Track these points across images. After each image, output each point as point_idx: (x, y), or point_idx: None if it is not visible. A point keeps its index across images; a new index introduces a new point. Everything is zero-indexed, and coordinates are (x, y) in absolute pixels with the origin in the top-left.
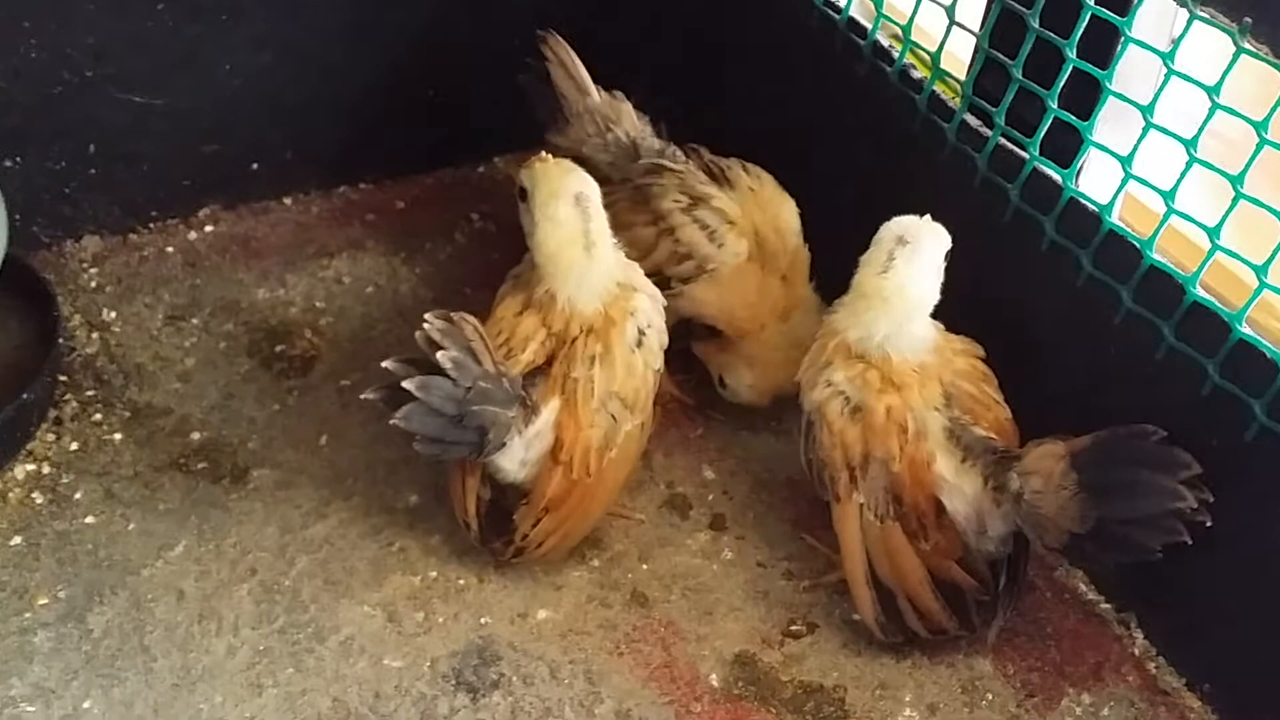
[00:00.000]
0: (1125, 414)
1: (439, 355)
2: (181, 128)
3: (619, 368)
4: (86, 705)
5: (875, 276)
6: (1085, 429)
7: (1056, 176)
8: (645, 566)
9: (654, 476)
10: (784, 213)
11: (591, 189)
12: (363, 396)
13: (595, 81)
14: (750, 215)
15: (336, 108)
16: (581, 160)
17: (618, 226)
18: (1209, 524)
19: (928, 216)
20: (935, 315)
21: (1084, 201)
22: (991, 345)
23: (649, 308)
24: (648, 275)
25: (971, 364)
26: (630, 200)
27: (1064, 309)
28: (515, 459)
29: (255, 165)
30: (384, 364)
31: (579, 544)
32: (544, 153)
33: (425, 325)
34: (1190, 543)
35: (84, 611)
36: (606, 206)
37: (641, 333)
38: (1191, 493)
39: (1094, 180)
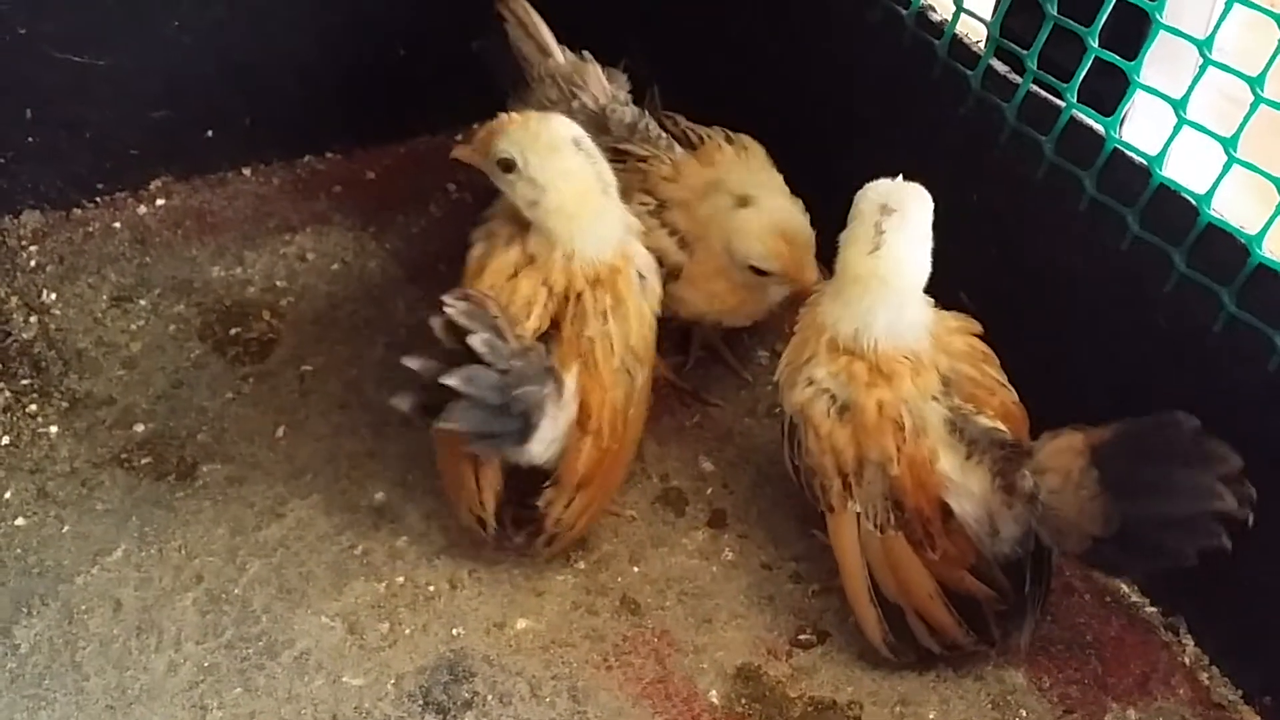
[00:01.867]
0: (1176, 395)
1: (471, 340)
2: (128, 91)
3: (633, 319)
4: None
5: (866, 256)
6: (1129, 411)
7: (1098, 126)
8: (637, 569)
9: (646, 469)
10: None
11: (581, 130)
12: (392, 403)
13: (576, 44)
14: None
15: (299, 69)
16: None
17: None
18: (1251, 523)
19: (899, 178)
20: (952, 284)
21: (1130, 153)
22: (1022, 319)
23: (643, 250)
24: None
25: (969, 343)
26: None
27: (1106, 276)
28: (545, 438)
29: (210, 133)
30: (406, 362)
31: None
32: (507, 114)
33: (448, 308)
34: (1229, 547)
35: (10, 624)
36: None
37: (642, 275)
38: (1232, 490)
39: (1140, 129)
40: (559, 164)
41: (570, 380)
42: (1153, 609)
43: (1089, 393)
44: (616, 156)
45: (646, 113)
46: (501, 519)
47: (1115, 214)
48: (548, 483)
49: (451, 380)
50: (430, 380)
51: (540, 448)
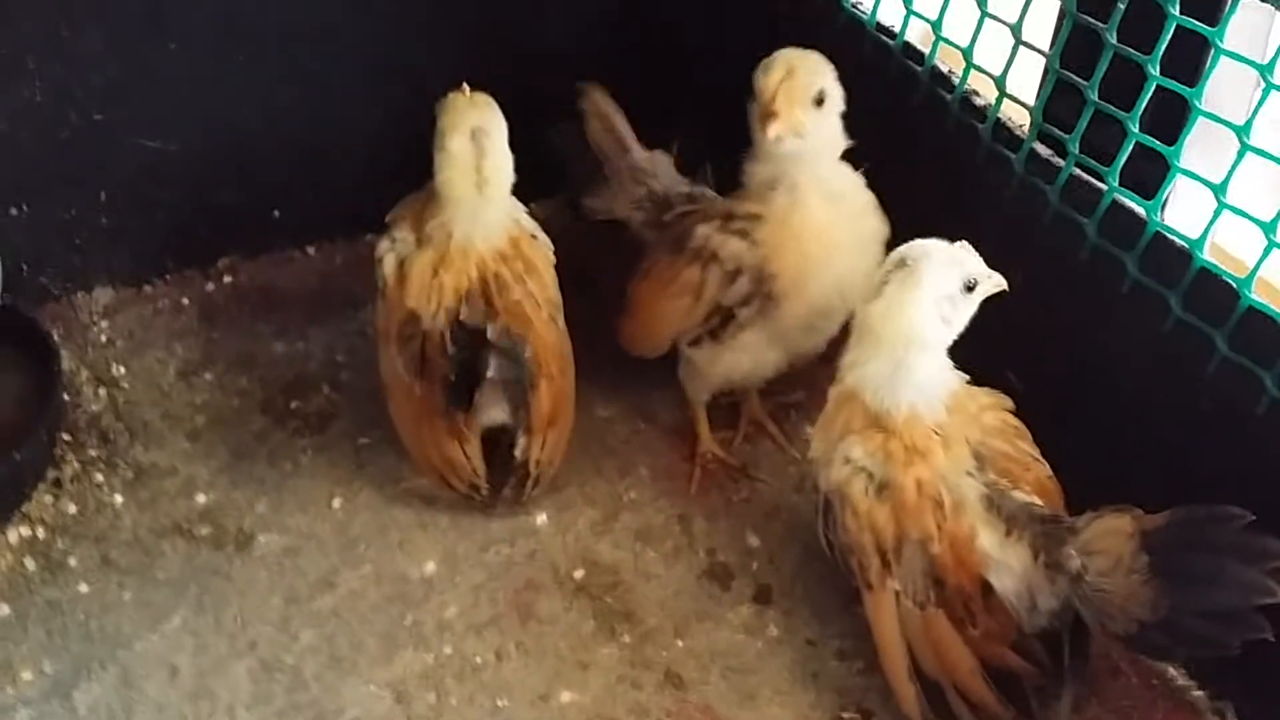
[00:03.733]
0: (1220, 476)
1: (489, 331)
2: (197, 173)
3: (542, 272)
4: None
5: (865, 304)
6: (1173, 493)
7: (1139, 209)
8: (681, 643)
9: (693, 543)
10: None
11: (494, 126)
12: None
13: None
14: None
15: (362, 148)
16: (617, 223)
17: (665, 282)
18: None
19: (939, 241)
20: (999, 364)
21: (1171, 236)
22: (1067, 399)
23: (526, 217)
24: (709, 317)
25: (1001, 419)
26: (670, 250)
27: (1149, 357)
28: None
29: (276, 213)
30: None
31: (608, 617)
32: (464, 85)
33: (464, 316)
34: (1273, 638)
35: (70, 688)
36: (649, 269)
37: (534, 235)
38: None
39: (1181, 213)
40: (447, 140)
41: None
42: (1199, 693)
43: (1132, 473)
44: (682, 215)
45: (703, 186)
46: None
47: (1158, 296)
48: (520, 433)
49: (490, 371)
50: (460, 378)
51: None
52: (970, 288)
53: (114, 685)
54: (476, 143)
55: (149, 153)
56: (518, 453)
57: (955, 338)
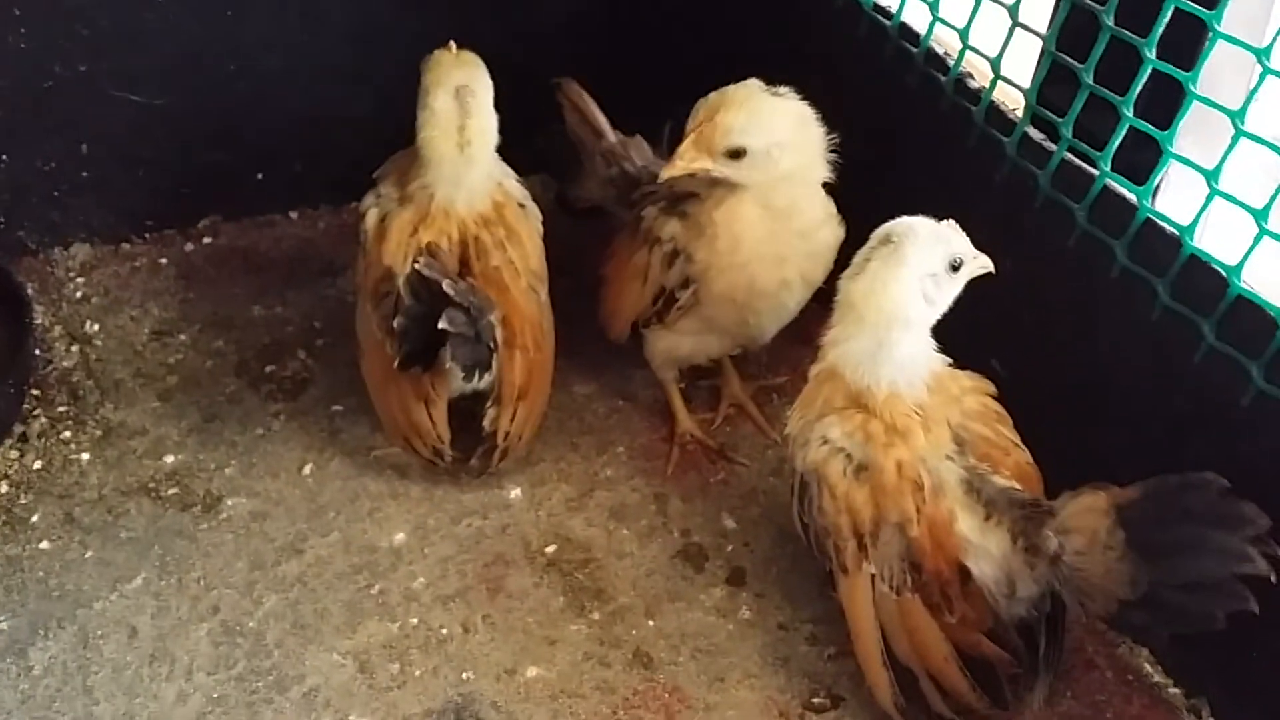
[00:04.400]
0: (1204, 466)
1: (445, 284)
2: (183, 132)
3: (527, 243)
4: None
5: (847, 280)
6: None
7: (1130, 195)
8: (652, 623)
9: (668, 523)
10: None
11: (480, 85)
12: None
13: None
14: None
15: (350, 117)
16: (597, 208)
17: (623, 263)
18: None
19: (926, 219)
20: (984, 351)
21: (1162, 223)
22: (1051, 386)
23: (517, 184)
24: (653, 302)
25: (983, 403)
26: (629, 235)
27: (1136, 345)
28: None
29: (260, 176)
30: (394, 323)
31: (578, 594)
32: (451, 43)
33: (417, 265)
34: (1258, 611)
35: (26, 645)
36: (614, 250)
37: (522, 205)
38: (1260, 552)
39: (1173, 199)
40: (430, 98)
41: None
42: (1176, 690)
43: (1116, 461)
44: (640, 198)
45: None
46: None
47: (1146, 283)
48: (489, 403)
49: (443, 323)
50: (411, 332)
51: (493, 368)
52: (955, 267)
53: (71, 644)
54: (461, 101)
55: (134, 108)
56: (486, 422)
57: (938, 317)
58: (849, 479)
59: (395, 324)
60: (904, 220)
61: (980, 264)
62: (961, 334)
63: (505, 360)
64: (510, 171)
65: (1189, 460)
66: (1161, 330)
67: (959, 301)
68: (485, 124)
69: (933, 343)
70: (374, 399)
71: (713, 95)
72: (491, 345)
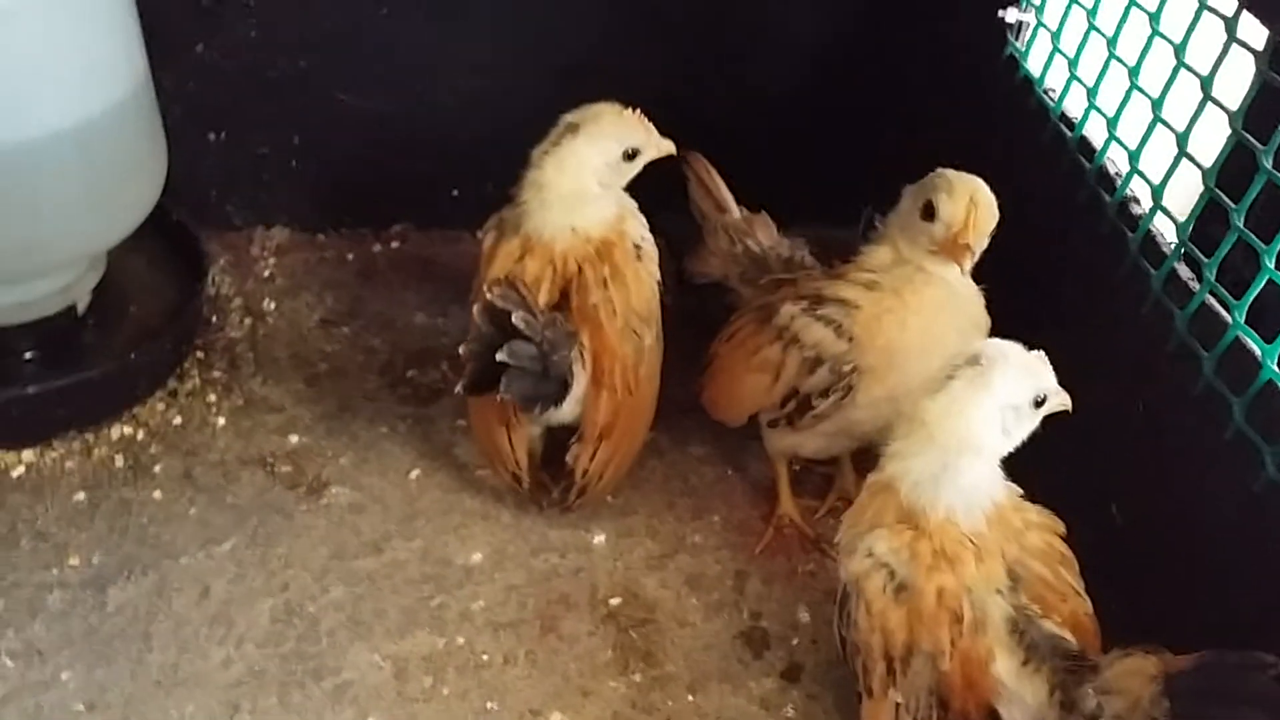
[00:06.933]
0: None
1: (515, 316)
2: (390, 139)
3: (631, 284)
4: (64, 677)
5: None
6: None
7: (1257, 351)
8: (691, 698)
9: (740, 602)
10: None
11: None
12: (457, 390)
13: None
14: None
15: None
16: (720, 287)
17: (747, 351)
18: None
19: (1017, 347)
20: (1105, 495)
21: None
22: (1159, 545)
23: (637, 223)
24: (785, 399)
25: (1048, 541)
26: (756, 318)
27: (1240, 514)
28: (575, 396)
29: (456, 192)
30: (462, 350)
31: (627, 652)
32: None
33: (489, 294)
34: None
35: (108, 583)
36: (735, 330)
37: (638, 246)
38: None
39: None
40: (565, 143)
41: (584, 343)
42: None
43: (1222, 629)
44: (772, 285)
45: (805, 250)
46: (539, 478)
47: (1255, 450)
48: (574, 438)
49: (501, 355)
50: (479, 358)
51: (571, 405)
52: (1039, 403)
53: (147, 591)
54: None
55: (346, 109)
56: (569, 457)
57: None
58: (888, 597)
59: (461, 350)
60: (995, 343)
61: (1060, 401)
62: (1084, 474)
63: (591, 398)
64: (637, 212)
65: (1272, 644)
66: (1266, 502)
67: (1087, 441)
68: (586, 173)
69: (1000, 472)
70: (470, 418)
71: (948, 182)
72: (566, 381)
